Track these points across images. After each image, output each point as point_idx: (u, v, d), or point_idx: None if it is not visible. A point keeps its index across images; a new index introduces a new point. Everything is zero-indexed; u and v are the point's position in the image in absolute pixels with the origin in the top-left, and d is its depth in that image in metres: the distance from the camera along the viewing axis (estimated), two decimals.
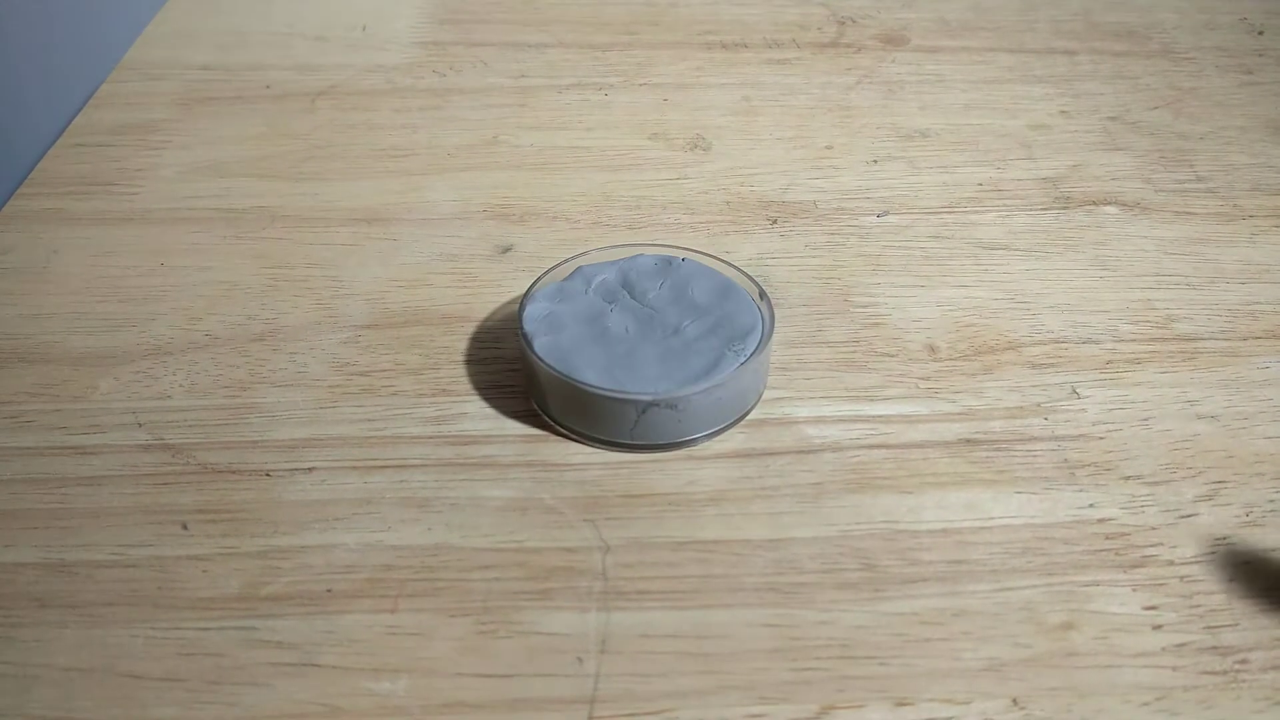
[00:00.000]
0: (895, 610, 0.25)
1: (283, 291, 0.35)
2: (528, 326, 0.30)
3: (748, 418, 0.30)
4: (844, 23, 0.53)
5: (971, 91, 0.47)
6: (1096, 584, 0.25)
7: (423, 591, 0.25)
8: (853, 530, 0.27)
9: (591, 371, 0.28)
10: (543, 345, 0.29)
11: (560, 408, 0.29)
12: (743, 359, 0.29)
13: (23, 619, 0.25)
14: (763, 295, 0.31)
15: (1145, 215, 0.39)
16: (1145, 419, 0.30)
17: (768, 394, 0.31)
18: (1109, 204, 0.39)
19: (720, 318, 0.30)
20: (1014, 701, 0.23)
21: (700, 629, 0.25)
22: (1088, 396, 0.31)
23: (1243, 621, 0.25)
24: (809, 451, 0.29)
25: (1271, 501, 0.28)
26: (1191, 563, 0.26)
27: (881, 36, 0.51)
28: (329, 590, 0.25)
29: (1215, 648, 0.24)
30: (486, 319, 0.34)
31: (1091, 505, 0.27)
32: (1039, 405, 0.30)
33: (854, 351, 0.32)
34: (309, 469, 0.28)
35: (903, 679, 0.23)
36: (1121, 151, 0.43)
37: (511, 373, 0.32)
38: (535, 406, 0.30)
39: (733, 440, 0.29)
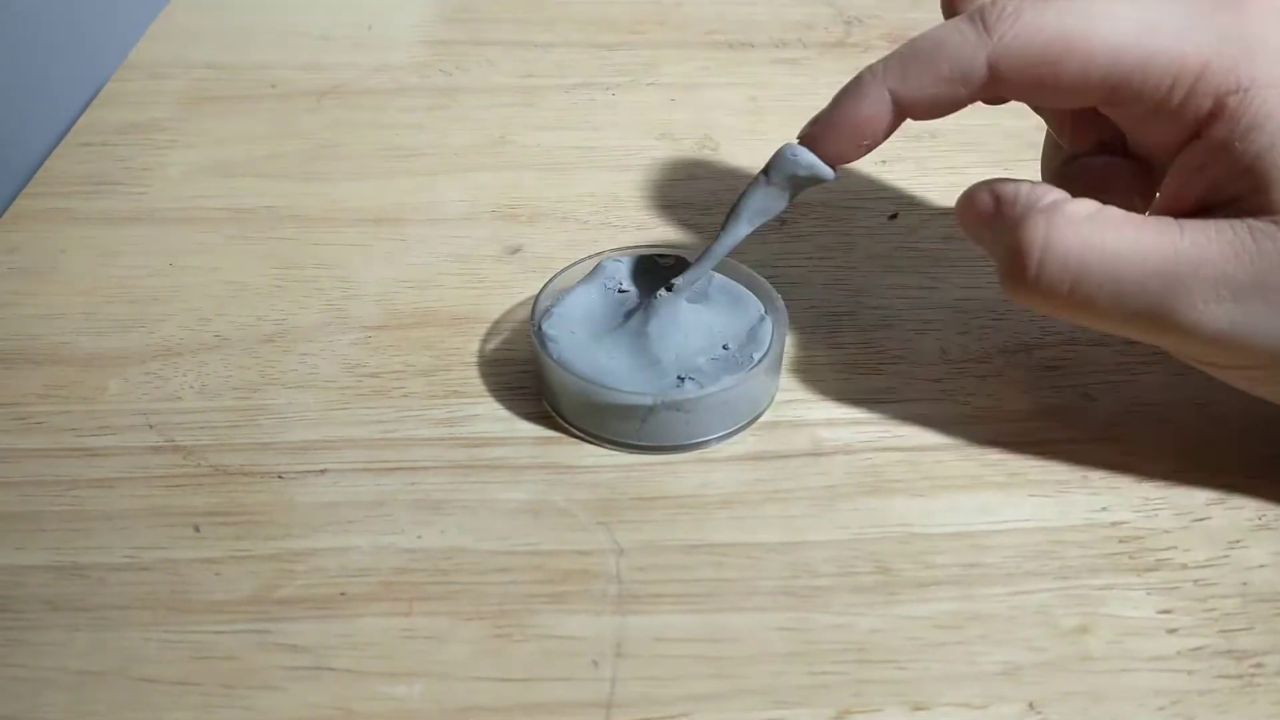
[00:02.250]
0: (910, 614, 0.25)
1: (292, 292, 0.35)
2: (540, 327, 0.30)
3: (760, 420, 0.30)
4: (850, 22, 0.53)
5: None
6: (1110, 587, 0.25)
7: (437, 595, 0.25)
8: (867, 533, 0.27)
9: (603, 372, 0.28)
10: (554, 346, 0.29)
11: (572, 409, 0.29)
12: (754, 361, 0.29)
13: (34, 622, 0.25)
14: (774, 297, 0.31)
15: None
16: (1157, 421, 0.30)
17: (780, 396, 0.31)
18: None
19: (731, 319, 0.30)
20: (1030, 706, 0.23)
21: (715, 632, 0.24)
22: (1099, 399, 0.31)
23: (1257, 625, 0.25)
24: (821, 454, 0.29)
25: None
26: (1205, 566, 0.26)
27: (888, 36, 0.51)
28: (343, 593, 0.25)
29: (1230, 651, 0.24)
30: (497, 320, 0.34)
31: (1104, 508, 0.27)
32: (1050, 407, 0.30)
33: (866, 353, 0.32)
34: (321, 471, 0.28)
35: (919, 683, 0.23)
36: None
37: (523, 374, 0.31)
38: (548, 407, 0.30)
39: (745, 443, 0.29)
